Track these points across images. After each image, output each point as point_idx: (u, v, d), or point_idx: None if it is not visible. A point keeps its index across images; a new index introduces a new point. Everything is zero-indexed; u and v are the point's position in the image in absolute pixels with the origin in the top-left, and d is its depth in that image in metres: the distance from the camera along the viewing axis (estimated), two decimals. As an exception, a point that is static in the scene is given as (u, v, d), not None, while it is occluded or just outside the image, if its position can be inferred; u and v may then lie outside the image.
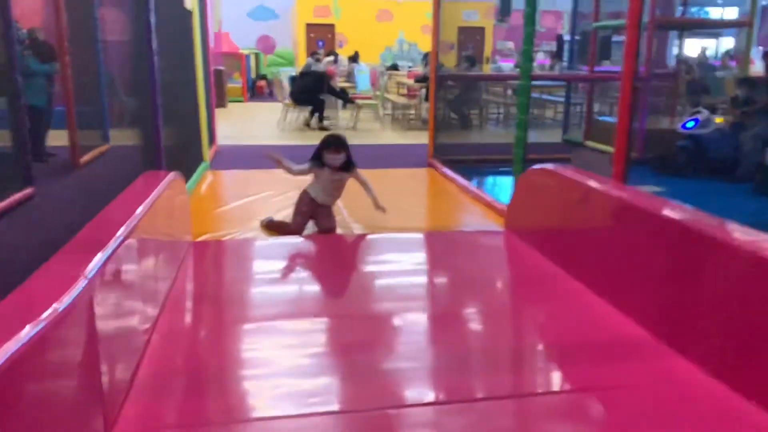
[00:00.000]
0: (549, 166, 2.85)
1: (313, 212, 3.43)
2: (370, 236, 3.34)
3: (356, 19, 16.14)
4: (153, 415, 1.60)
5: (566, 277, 2.55)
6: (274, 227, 3.43)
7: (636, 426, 1.59)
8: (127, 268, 1.80)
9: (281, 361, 1.89)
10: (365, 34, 15.14)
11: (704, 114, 5.65)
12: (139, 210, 2.02)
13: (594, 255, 2.42)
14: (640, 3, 2.46)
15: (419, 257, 3.16)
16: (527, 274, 2.73)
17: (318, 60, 8.79)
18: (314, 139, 6.80)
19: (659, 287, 2.04)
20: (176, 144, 3.96)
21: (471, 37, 16.41)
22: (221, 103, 10.08)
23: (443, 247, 3.18)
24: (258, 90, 12.87)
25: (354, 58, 10.36)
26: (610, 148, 6.16)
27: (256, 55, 14.31)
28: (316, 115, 7.97)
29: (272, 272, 2.75)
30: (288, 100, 7.94)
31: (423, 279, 2.79)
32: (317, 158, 3.43)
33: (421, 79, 8.26)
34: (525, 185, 3.07)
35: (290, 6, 18.15)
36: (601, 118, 6.73)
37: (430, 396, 1.76)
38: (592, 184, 2.51)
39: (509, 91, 10.21)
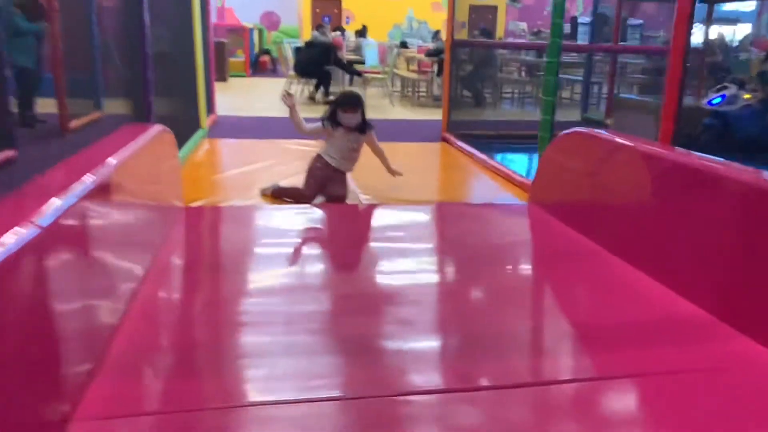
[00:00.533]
0: (584, 129, 2.53)
1: (326, 177, 3.13)
2: (382, 207, 3.03)
3: (364, -6, 15.73)
4: (123, 397, 1.31)
5: (605, 253, 2.24)
6: (282, 194, 3.12)
7: (714, 412, 1.29)
8: (96, 223, 1.49)
9: (278, 341, 1.60)
10: (373, 11, 14.69)
11: (732, 89, 5.30)
12: (116, 156, 1.71)
13: (639, 228, 2.11)
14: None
15: (435, 229, 2.86)
16: (559, 250, 2.42)
17: (324, 33, 8.44)
18: (319, 112, 6.52)
19: (722, 262, 1.74)
20: (171, 111, 3.73)
21: (483, 16, 15.96)
22: (222, 77, 9.73)
23: (463, 219, 2.87)
24: (261, 65, 12.51)
25: (362, 33, 9.98)
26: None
27: (260, 31, 13.91)
28: (322, 88, 7.63)
29: (273, 242, 2.45)
30: (292, 72, 7.59)
31: (440, 254, 2.49)
32: (331, 118, 3.14)
33: (433, 53, 7.91)
34: (556, 152, 2.75)
35: (296, -19, 17.68)
36: (623, 96, 6.38)
37: (443, 382, 1.47)
38: (639, 146, 2.20)
39: (522, 73, 9.87)
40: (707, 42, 7.88)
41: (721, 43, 10.95)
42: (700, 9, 7.23)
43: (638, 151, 2.18)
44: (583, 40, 11.00)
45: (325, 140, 3.23)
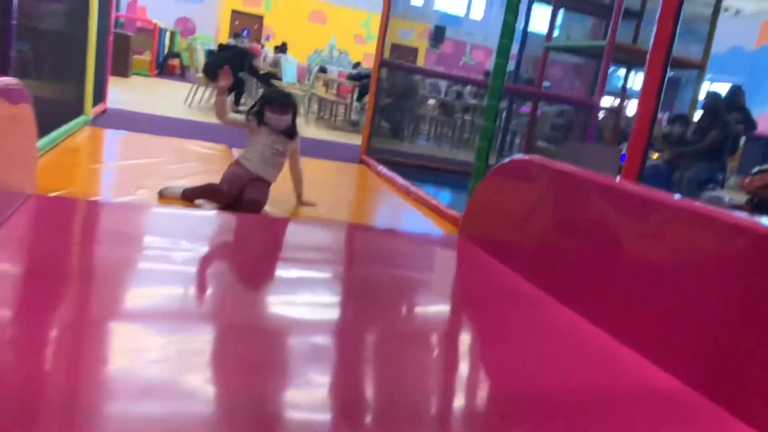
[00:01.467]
0: (534, 156, 2.24)
1: (242, 183, 2.63)
2: (296, 222, 2.57)
3: (287, 14, 15.36)
4: None
5: (550, 299, 1.92)
6: (193, 195, 2.56)
7: None
8: None
9: (141, 378, 1.08)
10: (295, 32, 14.36)
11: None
12: None
13: (597, 273, 1.81)
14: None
15: (348, 254, 2.43)
16: (492, 289, 2.07)
17: (241, 42, 7.92)
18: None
19: (702, 321, 1.45)
20: (46, 92, 3.18)
21: (404, 55, 16.09)
22: (124, 72, 8.91)
23: (380, 245, 2.48)
24: (169, 69, 11.67)
25: (282, 48, 9.55)
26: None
27: (172, 33, 13.09)
28: (232, 96, 7.06)
29: (150, 251, 1.91)
30: (201, 75, 6.97)
31: (350, 283, 2.05)
32: (256, 115, 2.68)
33: (356, 77, 7.62)
34: (496, 179, 2.44)
35: (218, -9, 17.00)
36: (541, 145, 6.39)
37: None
38: (598, 179, 1.92)
39: (437, 111, 9.83)
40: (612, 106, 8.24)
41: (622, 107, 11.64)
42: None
43: (597, 183, 1.90)
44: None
45: (249, 138, 2.77)
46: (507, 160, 2.34)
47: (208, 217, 2.38)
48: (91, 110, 4.18)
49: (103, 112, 4.93)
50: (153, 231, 2.12)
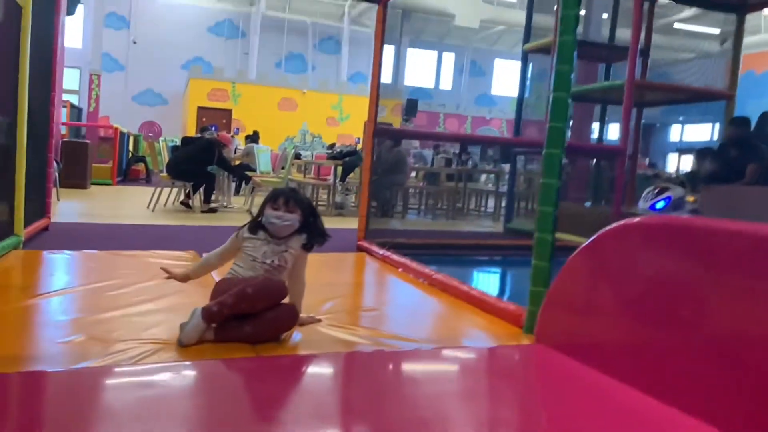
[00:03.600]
0: (661, 217, 1.49)
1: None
2: (302, 359, 1.74)
3: (256, 105, 15.01)
4: None
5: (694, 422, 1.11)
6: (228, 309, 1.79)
7: None
8: None
9: None
10: (265, 122, 13.93)
11: (677, 191, 4.70)
12: None
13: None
14: None
15: (395, 402, 1.60)
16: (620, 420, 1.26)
17: (209, 135, 7.29)
18: (197, 221, 5.23)
19: None
20: None
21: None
22: (81, 183, 8.16)
23: (435, 380, 1.65)
24: (133, 174, 10.99)
25: (253, 138, 8.96)
26: (578, 238, 5.06)
27: (136, 138, 12.52)
28: (200, 192, 6.32)
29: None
30: (164, 173, 6.24)
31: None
32: (254, 224, 2.01)
33: (338, 156, 6.98)
34: (592, 256, 1.67)
35: (182, 91, 16.73)
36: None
37: None
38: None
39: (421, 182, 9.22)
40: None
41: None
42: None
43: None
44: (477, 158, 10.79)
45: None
46: (611, 226, 1.57)
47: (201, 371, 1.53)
48: (22, 230, 3.37)
49: (45, 228, 4.13)
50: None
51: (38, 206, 4.11)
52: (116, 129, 9.81)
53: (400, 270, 3.25)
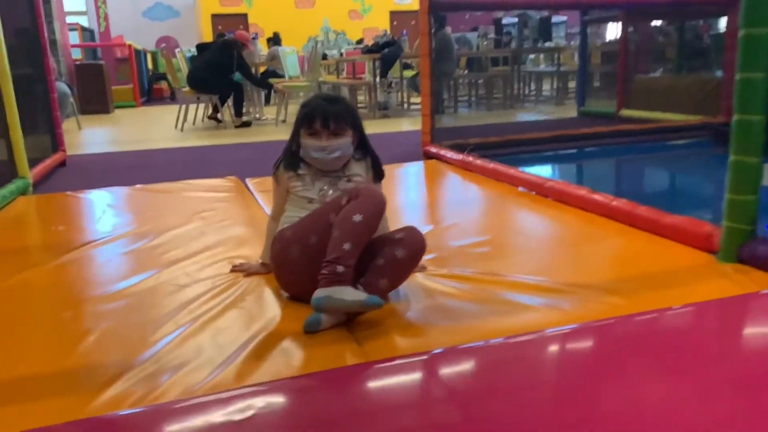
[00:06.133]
0: None
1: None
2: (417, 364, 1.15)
3: (272, 6, 13.84)
4: None
5: None
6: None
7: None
8: None
9: None
10: (284, 24, 12.83)
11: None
12: None
13: None
14: None
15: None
16: None
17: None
18: (230, 138, 4.60)
19: None
20: None
21: (405, 23, 14.47)
22: (103, 108, 7.60)
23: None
24: (156, 93, 10.34)
25: (275, 40, 8.08)
26: (667, 115, 4.25)
27: (153, 55, 11.73)
28: (230, 106, 5.67)
29: None
30: (186, 88, 5.57)
31: None
32: (289, 156, 1.41)
33: (374, 49, 6.13)
34: None
35: (192, 1, 15.61)
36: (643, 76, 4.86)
37: None
38: None
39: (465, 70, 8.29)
40: None
41: None
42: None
43: None
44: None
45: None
46: None
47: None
48: (28, 171, 2.81)
49: (62, 164, 3.58)
50: None
51: (49, 140, 3.55)
52: (130, 46, 9.06)
53: (490, 180, 2.59)
